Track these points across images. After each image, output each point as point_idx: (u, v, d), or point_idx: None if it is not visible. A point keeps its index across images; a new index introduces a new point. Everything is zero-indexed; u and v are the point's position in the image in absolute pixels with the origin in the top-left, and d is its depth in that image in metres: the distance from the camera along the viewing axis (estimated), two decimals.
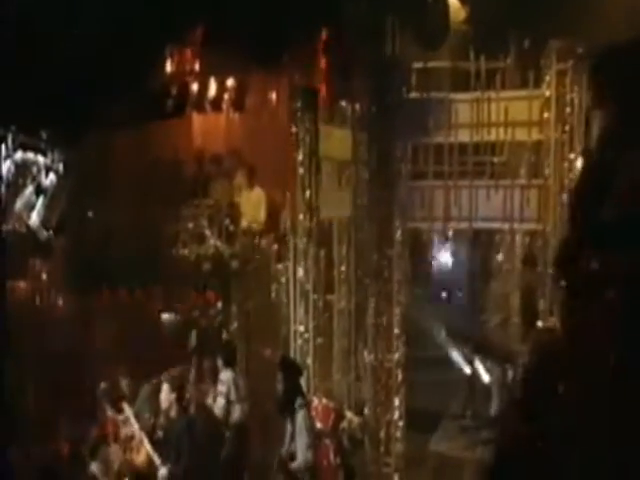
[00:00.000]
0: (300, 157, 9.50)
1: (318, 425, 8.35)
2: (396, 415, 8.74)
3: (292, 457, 7.43)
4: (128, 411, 8.90)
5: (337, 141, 10.05)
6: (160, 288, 11.47)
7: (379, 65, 8.84)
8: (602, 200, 4.61)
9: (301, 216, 9.55)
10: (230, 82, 12.22)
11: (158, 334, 11.49)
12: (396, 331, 8.68)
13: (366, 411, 9.07)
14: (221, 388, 8.95)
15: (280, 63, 11.46)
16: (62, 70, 9.47)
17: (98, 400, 9.91)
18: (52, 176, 9.93)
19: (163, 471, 8.15)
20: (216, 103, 12.26)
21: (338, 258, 10.59)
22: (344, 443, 9.14)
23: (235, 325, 10.95)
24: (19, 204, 9.75)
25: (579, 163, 7.57)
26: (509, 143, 8.71)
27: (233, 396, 8.95)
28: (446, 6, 9.90)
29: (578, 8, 8.86)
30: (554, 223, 8.11)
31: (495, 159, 8.93)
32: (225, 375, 9.02)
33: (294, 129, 9.53)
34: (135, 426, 8.71)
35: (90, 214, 11.71)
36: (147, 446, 8.42)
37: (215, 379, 9.40)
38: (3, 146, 8.89)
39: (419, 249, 10.86)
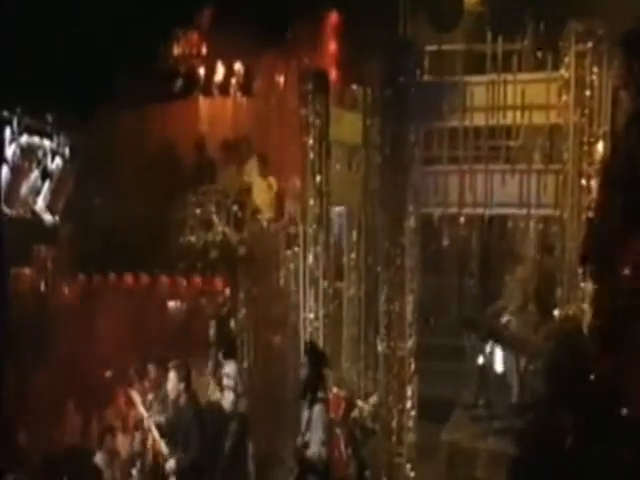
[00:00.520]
0: (310, 141, 9.30)
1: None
2: (409, 404, 8.57)
3: (306, 446, 7.24)
4: (137, 399, 8.74)
5: (347, 125, 9.86)
6: (167, 275, 11.27)
7: (392, 47, 8.63)
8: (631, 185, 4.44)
9: (311, 201, 9.35)
10: (237, 66, 11.97)
11: (164, 321, 11.35)
12: (409, 319, 8.50)
13: (378, 400, 8.91)
14: (228, 382, 8.79)
15: (289, 46, 11.23)
16: (67, 52, 9.26)
17: (105, 388, 9.83)
18: (58, 160, 9.71)
19: (171, 462, 8.01)
20: (223, 87, 12.02)
21: (348, 245, 10.44)
22: (355, 433, 9.04)
23: (243, 312, 10.81)
24: (24, 189, 9.54)
25: (600, 147, 7.38)
26: (526, 127, 8.50)
27: (240, 389, 8.83)
28: None
29: None
30: (572, 209, 7.91)
31: (511, 143, 8.73)
32: (230, 368, 8.86)
33: (304, 112, 9.32)
34: (144, 414, 8.56)
35: (96, 199, 11.51)
36: (155, 436, 8.25)
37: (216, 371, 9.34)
38: (8, 129, 8.69)
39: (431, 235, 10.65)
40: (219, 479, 8.57)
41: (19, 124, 8.82)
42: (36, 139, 9.28)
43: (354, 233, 10.37)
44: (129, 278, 11.40)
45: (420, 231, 8.81)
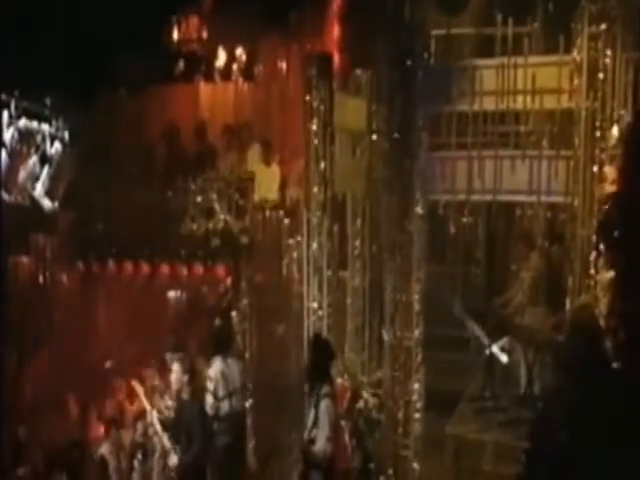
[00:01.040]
0: (314, 127, 9.09)
1: None
2: (415, 396, 8.37)
3: (312, 441, 7.06)
4: (139, 390, 8.57)
5: (352, 111, 9.65)
6: (167, 263, 11.12)
7: (399, 30, 8.40)
8: None
9: (315, 189, 9.15)
10: (239, 51, 11.76)
11: (165, 311, 11.21)
12: (416, 308, 8.29)
13: (384, 391, 8.73)
14: (209, 385, 8.42)
15: (291, 30, 11.02)
16: (66, 34, 9.05)
17: (105, 378, 9.67)
18: (57, 145, 9.51)
19: (174, 458, 7.85)
20: (225, 72, 11.82)
21: (352, 233, 10.25)
22: (360, 424, 8.87)
23: (245, 302, 10.66)
24: (23, 174, 9.34)
25: (615, 131, 7.18)
26: (536, 112, 8.28)
27: (221, 392, 8.44)
28: None
29: None
30: (583, 196, 7.70)
31: (521, 128, 8.51)
32: (213, 370, 8.51)
33: (308, 98, 9.11)
34: (147, 407, 8.39)
35: (96, 186, 11.33)
36: (158, 430, 8.08)
37: None
38: (5, 113, 8.48)
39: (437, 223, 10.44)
40: (217, 475, 8.39)
41: (17, 107, 8.62)
42: (34, 123, 9.09)
43: (358, 221, 10.16)
44: (129, 267, 11.24)
45: (427, 219, 8.59)
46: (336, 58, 10.59)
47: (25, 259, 11.51)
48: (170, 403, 8.72)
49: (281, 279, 10.27)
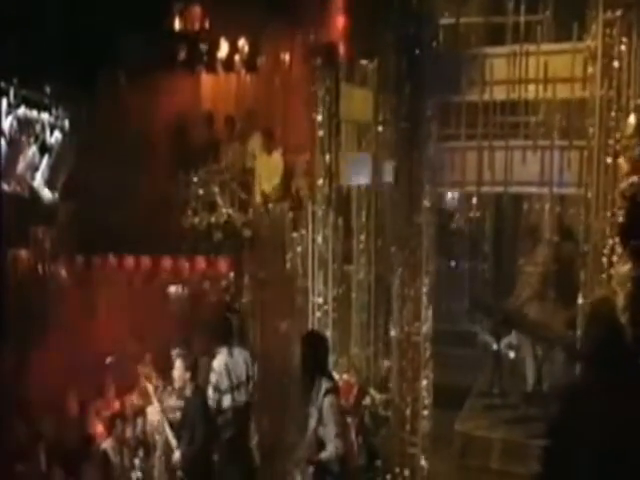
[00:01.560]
0: (319, 118, 8.92)
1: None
2: (423, 392, 8.19)
3: (321, 446, 6.71)
4: (149, 387, 8.41)
5: (358, 102, 9.48)
6: (169, 257, 10.94)
7: (407, 18, 8.22)
8: None
9: (320, 181, 8.97)
10: (242, 41, 11.56)
11: (166, 306, 11.04)
12: (424, 302, 8.11)
13: (391, 387, 8.55)
14: (212, 377, 8.20)
15: (295, 20, 10.83)
16: (66, 21, 8.84)
17: (106, 374, 9.50)
18: (57, 134, 9.30)
19: (177, 454, 7.71)
20: (227, 63, 11.62)
21: (357, 226, 10.07)
22: (366, 421, 8.71)
23: (248, 297, 10.50)
24: (22, 164, 9.13)
25: (632, 120, 6.99)
26: (549, 101, 8.09)
27: (224, 384, 8.21)
28: None
29: None
30: (597, 188, 7.52)
31: (533, 119, 8.33)
32: (217, 362, 8.27)
33: (313, 88, 8.94)
34: (156, 404, 8.22)
35: (96, 177, 11.15)
36: (166, 427, 7.99)
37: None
38: (4, 101, 8.27)
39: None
40: (221, 469, 8.22)
41: (15, 95, 8.41)
42: (34, 111, 8.88)
43: (363, 214, 9.98)
44: (130, 260, 11.06)
45: (436, 211, 8.42)
46: (341, 48, 10.43)
47: (24, 252, 11.35)
48: (173, 402, 8.56)
49: (285, 273, 10.13)
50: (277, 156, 10.81)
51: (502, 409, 9.46)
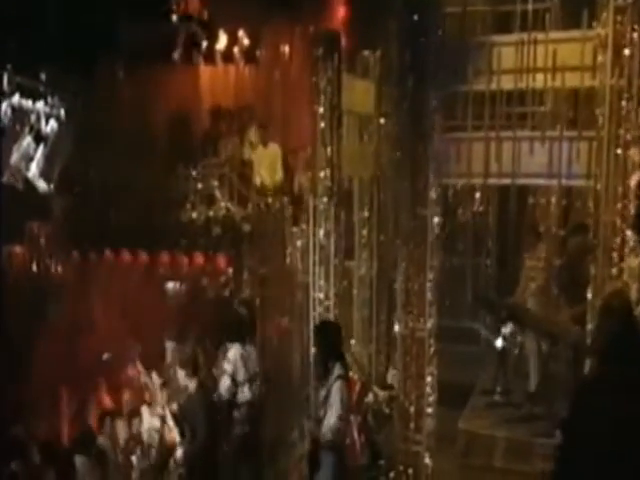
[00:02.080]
0: (321, 110, 8.73)
1: None
2: (428, 389, 8.01)
3: (320, 421, 6.77)
4: (156, 381, 8.22)
5: (359, 93, 9.31)
6: (166, 253, 10.76)
7: (411, 7, 8.03)
8: None
9: (322, 174, 8.78)
10: (241, 33, 11.36)
11: (164, 302, 10.87)
12: (429, 297, 7.92)
13: (394, 385, 8.37)
14: (227, 367, 8.09)
15: (295, 10, 10.64)
16: (63, 7, 8.62)
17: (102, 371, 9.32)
18: (53, 123, 9.07)
19: (179, 451, 7.66)
20: (226, 55, 11.42)
21: (359, 221, 9.89)
22: (369, 419, 8.54)
23: (247, 293, 10.33)
24: (16, 155, 8.89)
25: None
26: (557, 90, 7.90)
27: (241, 376, 8.11)
28: None
29: None
30: (606, 179, 7.33)
31: (541, 108, 8.14)
32: (232, 353, 8.16)
33: (314, 79, 8.74)
34: (160, 401, 8.05)
35: (92, 170, 10.97)
36: (170, 423, 7.88)
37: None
38: None
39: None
40: (228, 466, 8.06)
41: (10, 82, 8.18)
42: (29, 100, 8.65)
43: (365, 208, 9.80)
44: (127, 256, 10.88)
45: (441, 204, 8.23)
46: (342, 39, 10.22)
47: (18, 248, 11.17)
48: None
49: (285, 269, 9.97)
50: (274, 148, 10.62)
51: (506, 407, 9.29)
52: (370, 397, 8.58)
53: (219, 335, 8.76)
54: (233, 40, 11.44)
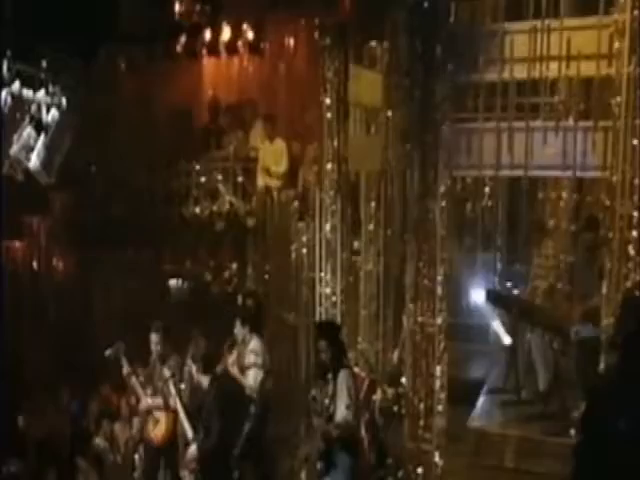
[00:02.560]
0: (328, 101, 8.56)
1: None
2: (437, 386, 7.81)
3: (330, 418, 6.64)
4: (166, 373, 8.06)
5: (367, 85, 9.10)
6: (169, 248, 10.60)
7: None
8: None
9: (329, 166, 8.60)
10: (245, 25, 11.16)
11: (167, 298, 10.72)
12: (439, 292, 7.73)
13: (403, 382, 8.18)
14: (256, 359, 8.04)
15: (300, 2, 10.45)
16: None
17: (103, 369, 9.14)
18: (54, 111, 8.87)
19: (193, 448, 7.43)
20: (230, 47, 11.22)
21: (366, 215, 9.70)
22: (376, 417, 8.34)
23: (251, 288, 10.15)
24: (16, 145, 8.70)
25: None
26: (572, 79, 7.69)
27: (267, 367, 8.12)
28: None
29: None
30: (623, 172, 7.12)
31: (555, 98, 7.94)
32: (255, 344, 8.13)
33: (321, 70, 8.58)
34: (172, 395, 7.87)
35: (93, 164, 10.81)
36: (183, 419, 7.73)
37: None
38: None
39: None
40: (238, 463, 7.87)
41: (10, 69, 7.98)
42: (29, 88, 8.46)
43: (372, 203, 9.60)
44: (129, 251, 10.71)
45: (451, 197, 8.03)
46: (349, 29, 10.04)
47: (18, 244, 11.01)
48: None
49: (290, 264, 9.82)
50: (280, 143, 10.45)
51: (517, 405, 9.09)
52: (378, 394, 8.37)
53: (226, 329, 8.59)
54: (238, 31, 11.23)
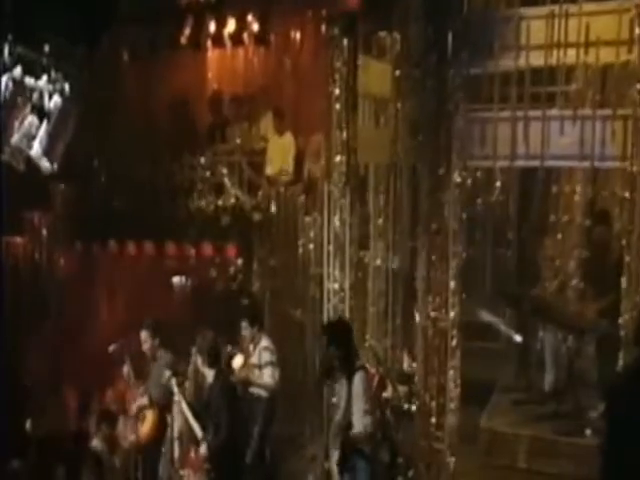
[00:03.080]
0: (336, 91, 8.34)
1: None
2: (450, 383, 7.60)
3: (349, 425, 6.48)
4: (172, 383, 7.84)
5: (376, 75, 8.91)
6: (174, 243, 10.41)
7: None
8: None
9: (337, 158, 8.38)
10: (250, 15, 10.94)
11: (172, 293, 10.54)
12: (452, 286, 7.52)
13: (414, 379, 7.97)
14: (271, 357, 8.16)
15: None
16: None
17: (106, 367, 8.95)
18: (56, 98, 8.67)
19: (203, 447, 7.23)
20: (235, 38, 11.01)
21: (375, 209, 9.49)
22: (387, 415, 8.12)
23: (257, 285, 9.98)
24: (17, 133, 8.50)
25: None
26: (590, 66, 7.47)
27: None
28: None
29: None
30: None
31: (572, 86, 7.73)
32: (267, 342, 8.22)
33: (330, 60, 8.36)
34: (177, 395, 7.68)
35: (95, 157, 10.63)
36: (189, 418, 7.46)
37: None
38: None
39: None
40: (247, 462, 7.84)
41: (11, 54, 7.78)
42: (31, 74, 8.26)
43: (382, 196, 9.40)
44: (132, 247, 10.53)
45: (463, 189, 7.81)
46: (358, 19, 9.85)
47: (19, 239, 10.84)
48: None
49: (297, 259, 9.64)
50: (289, 137, 10.26)
51: (529, 405, 8.93)
52: (389, 392, 8.15)
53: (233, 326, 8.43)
54: (242, 23, 11.01)
